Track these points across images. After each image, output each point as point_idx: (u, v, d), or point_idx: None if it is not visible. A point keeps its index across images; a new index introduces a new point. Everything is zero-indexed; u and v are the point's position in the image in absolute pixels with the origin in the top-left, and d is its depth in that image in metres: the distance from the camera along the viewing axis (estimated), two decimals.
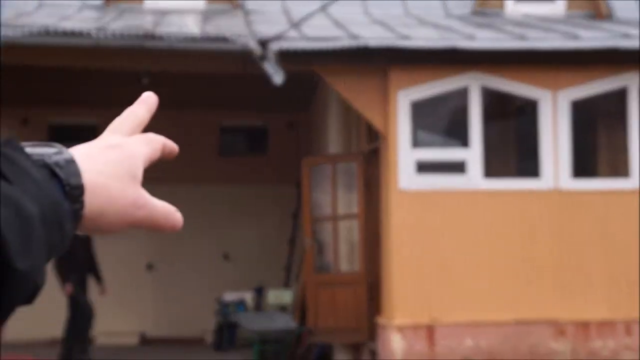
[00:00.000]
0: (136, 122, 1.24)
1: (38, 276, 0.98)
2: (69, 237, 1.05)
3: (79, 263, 13.81)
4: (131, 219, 1.12)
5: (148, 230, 1.16)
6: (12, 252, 0.93)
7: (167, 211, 1.16)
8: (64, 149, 1.08)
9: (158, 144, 1.23)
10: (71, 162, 1.06)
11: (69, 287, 13.77)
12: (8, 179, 0.98)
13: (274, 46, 11.92)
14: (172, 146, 1.27)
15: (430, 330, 11.59)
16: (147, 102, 1.29)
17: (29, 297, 0.98)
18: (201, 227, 17.21)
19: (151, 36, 12.31)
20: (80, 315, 13.98)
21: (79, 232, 1.08)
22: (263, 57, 12.16)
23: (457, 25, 14.04)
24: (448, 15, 15.55)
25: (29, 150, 1.04)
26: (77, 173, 1.06)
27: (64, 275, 13.73)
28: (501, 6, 15.73)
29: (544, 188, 11.75)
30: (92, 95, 17.36)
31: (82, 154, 1.09)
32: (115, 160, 1.13)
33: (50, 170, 1.04)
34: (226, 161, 18.22)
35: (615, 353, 11.69)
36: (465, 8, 15.84)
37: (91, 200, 1.07)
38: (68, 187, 1.04)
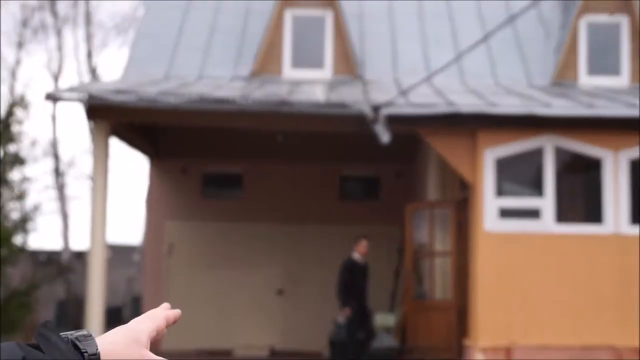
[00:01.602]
0: (157, 328, 1.40)
1: None
2: None
3: (359, 291, 13.55)
4: None
5: None
6: None
7: None
8: (86, 332, 1.27)
9: (160, 318, 1.40)
10: (89, 337, 1.25)
11: (347, 311, 13.50)
12: (42, 350, 1.18)
13: (384, 111, 12.16)
14: (175, 315, 1.44)
15: (508, 351, 11.62)
16: (171, 319, 1.44)
17: None
18: (323, 259, 17.36)
19: (285, 103, 12.64)
20: (353, 337, 13.58)
21: None
22: (374, 120, 12.36)
23: (537, 94, 14.10)
24: (531, 86, 15.67)
25: (60, 332, 1.23)
26: (93, 344, 1.24)
27: (345, 300, 13.48)
28: (576, 78, 15.79)
29: (606, 232, 11.76)
30: (237, 149, 17.76)
31: (103, 336, 1.30)
32: (124, 333, 1.32)
33: (74, 343, 1.23)
34: (344, 205, 18.33)
35: None
36: (546, 80, 15.95)
37: None
38: (87, 354, 1.22)
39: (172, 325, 1.43)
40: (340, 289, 13.47)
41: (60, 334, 1.23)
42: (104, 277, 12.91)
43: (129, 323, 1.37)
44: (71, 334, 1.25)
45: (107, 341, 1.29)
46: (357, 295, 13.52)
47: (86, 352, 1.22)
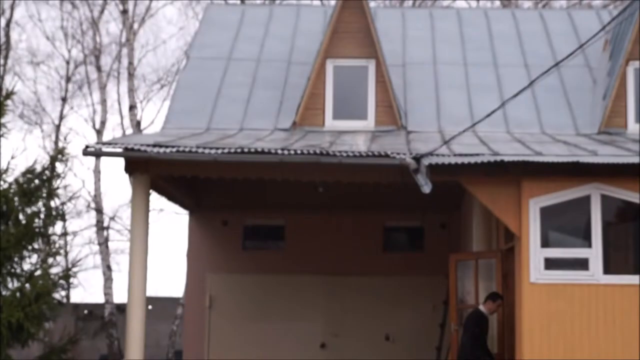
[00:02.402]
0: None
1: None
2: None
3: (484, 344, 13.24)
4: None
5: None
6: None
7: None
8: None
9: None
10: None
11: None
12: None
13: (425, 161, 12.12)
14: None
15: None
16: None
17: None
18: (367, 312, 17.31)
19: (326, 153, 12.67)
20: None
21: None
22: (417, 170, 12.36)
23: (584, 142, 14.03)
24: (577, 134, 15.59)
25: None
26: None
27: (477, 353, 13.10)
28: (624, 126, 15.69)
29: None
30: (279, 200, 17.83)
31: None
32: None
33: None
34: (388, 256, 18.30)
35: None
36: (593, 128, 15.85)
37: None
38: None
39: None
40: (470, 343, 13.05)
41: None
42: (143, 330, 12.95)
43: None
44: None
45: None
46: (485, 348, 13.23)
47: None
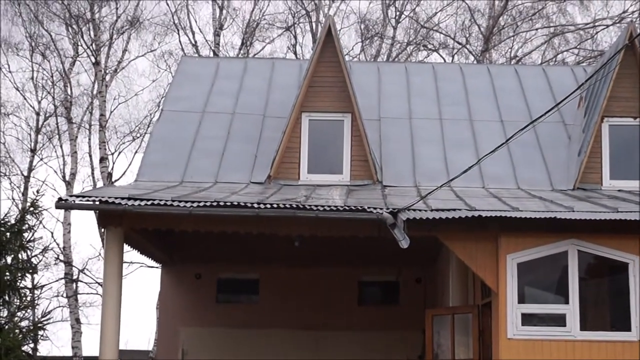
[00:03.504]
0: None
1: None
2: None
3: None
4: None
5: None
6: None
7: None
8: None
9: None
10: None
11: None
12: None
13: (403, 216, 12.22)
14: None
15: None
16: None
17: None
18: None
19: (302, 207, 12.70)
20: None
21: None
22: (394, 225, 12.44)
23: (560, 198, 14.19)
24: (553, 190, 15.76)
25: None
26: None
27: None
28: (600, 182, 15.88)
29: (633, 339, 11.65)
30: (253, 254, 17.82)
31: None
32: None
33: None
34: (363, 310, 18.26)
35: None
36: (569, 183, 16.03)
37: None
38: None
39: None
40: None
41: None
42: None
43: None
44: None
45: None
46: None
47: None
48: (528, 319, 11.80)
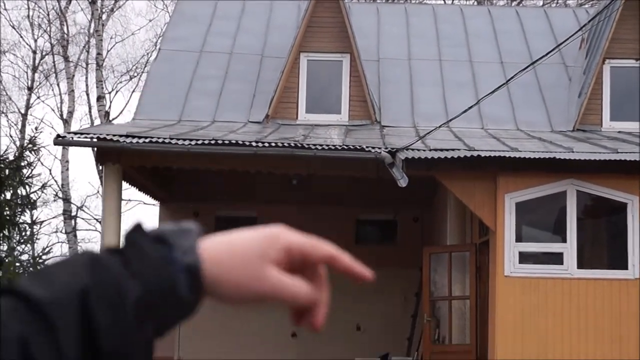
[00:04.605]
0: (299, 248, 1.07)
1: (131, 352, 0.93)
2: (189, 307, 1.00)
3: None
4: (252, 292, 1.02)
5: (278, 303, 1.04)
6: (101, 334, 0.90)
7: (295, 291, 1.05)
8: (189, 226, 1.03)
9: (320, 247, 1.08)
10: (188, 237, 1.01)
11: None
12: (125, 260, 0.96)
13: (401, 155, 12.27)
14: (345, 262, 1.09)
15: None
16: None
17: None
18: (339, 303, 17.32)
19: (300, 146, 12.77)
20: None
21: (203, 301, 1.02)
22: (392, 164, 12.54)
23: (559, 139, 14.20)
24: (553, 131, 15.77)
25: (156, 230, 1.01)
26: (191, 248, 0.99)
27: None
28: (599, 123, 15.88)
29: (630, 277, 11.74)
30: (251, 192, 17.86)
31: (215, 239, 1.04)
32: (247, 237, 1.04)
33: (170, 246, 0.99)
34: (360, 249, 18.37)
35: None
36: (568, 125, 16.03)
37: (209, 271, 1.00)
38: (183, 261, 0.98)
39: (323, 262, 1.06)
40: None
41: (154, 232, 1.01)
42: None
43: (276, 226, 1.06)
44: (169, 232, 1.01)
45: (217, 243, 1.02)
46: None
47: (184, 257, 0.99)
48: (525, 258, 11.88)
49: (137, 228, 1.01)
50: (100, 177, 26.40)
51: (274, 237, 1.04)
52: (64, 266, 0.95)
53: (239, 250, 1.02)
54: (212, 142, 12.80)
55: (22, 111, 33.88)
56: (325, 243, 1.07)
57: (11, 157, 14.16)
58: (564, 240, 11.90)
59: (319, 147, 12.79)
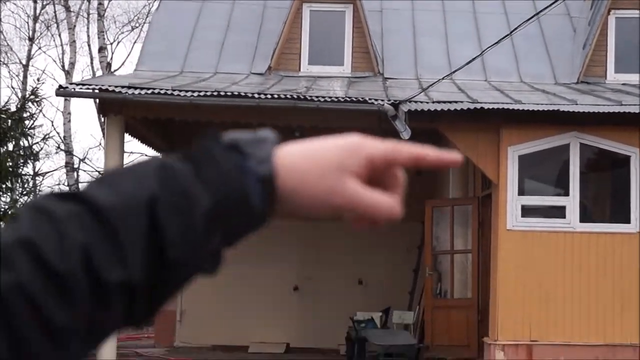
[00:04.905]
0: (383, 156, 1.00)
1: (199, 263, 0.91)
2: (261, 218, 0.95)
3: None
4: (328, 205, 0.97)
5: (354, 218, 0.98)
6: (169, 244, 0.87)
7: (376, 203, 0.99)
8: (266, 134, 0.98)
9: (401, 150, 1.02)
10: (264, 145, 0.96)
11: None
12: (196, 168, 0.92)
13: (404, 107, 12.23)
14: (432, 156, 1.05)
15: (529, 349, 11.64)
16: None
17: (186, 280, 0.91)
18: (340, 256, 17.39)
19: (303, 98, 12.72)
20: None
21: (278, 212, 0.96)
22: (395, 116, 12.49)
23: (563, 91, 14.12)
24: (557, 84, 15.67)
25: (230, 138, 0.96)
26: (267, 157, 0.94)
27: None
28: (604, 75, 15.78)
29: (632, 231, 11.75)
30: None
31: (292, 149, 0.98)
32: (325, 147, 0.99)
33: (244, 154, 0.94)
34: None
35: None
36: (572, 77, 15.93)
37: (284, 181, 0.95)
38: (258, 171, 0.94)
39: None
40: None
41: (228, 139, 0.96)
42: None
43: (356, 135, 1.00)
44: (243, 140, 0.96)
45: (293, 152, 0.98)
46: None
47: (257, 165, 0.94)
48: (528, 211, 11.86)
49: (211, 135, 0.96)
50: (103, 129, 26.34)
51: (354, 147, 0.98)
52: (132, 173, 0.91)
53: (317, 161, 0.96)
54: (215, 93, 12.75)
55: (24, 62, 33.74)
56: (404, 144, 1.01)
57: (13, 109, 14.13)
58: (567, 194, 11.87)
59: (322, 99, 12.75)
